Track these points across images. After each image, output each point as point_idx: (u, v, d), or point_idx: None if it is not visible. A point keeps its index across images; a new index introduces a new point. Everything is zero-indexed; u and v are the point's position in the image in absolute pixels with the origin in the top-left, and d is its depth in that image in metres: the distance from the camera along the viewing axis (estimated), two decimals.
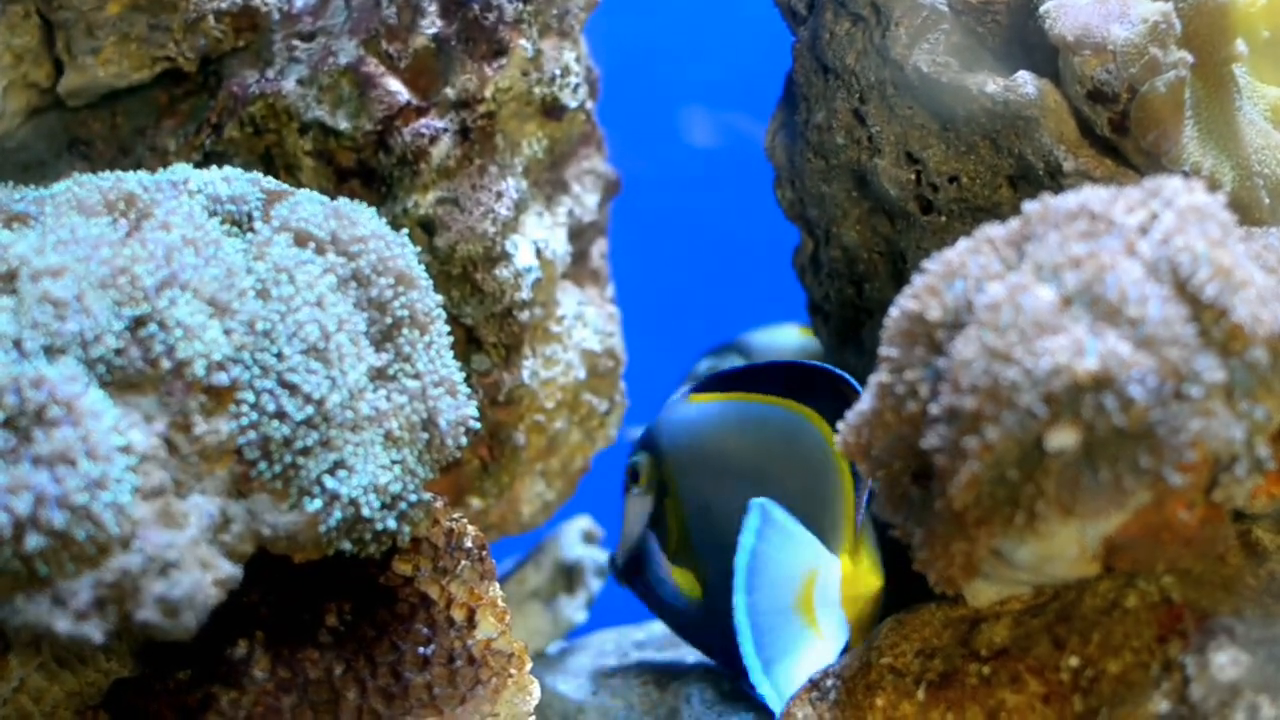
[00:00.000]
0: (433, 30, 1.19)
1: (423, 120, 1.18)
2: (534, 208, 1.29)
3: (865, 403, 0.78)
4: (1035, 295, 0.69)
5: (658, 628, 1.42)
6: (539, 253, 1.27)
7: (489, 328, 1.24)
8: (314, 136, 1.18)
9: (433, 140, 1.18)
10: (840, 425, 0.79)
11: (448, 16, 1.20)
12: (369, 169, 1.19)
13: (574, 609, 1.45)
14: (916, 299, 0.75)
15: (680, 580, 1.11)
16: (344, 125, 1.17)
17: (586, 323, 1.37)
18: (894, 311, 0.76)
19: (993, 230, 0.76)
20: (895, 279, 1.17)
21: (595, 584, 1.49)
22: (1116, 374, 0.66)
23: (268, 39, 1.20)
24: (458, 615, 0.86)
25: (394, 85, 1.18)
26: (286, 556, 0.76)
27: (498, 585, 0.90)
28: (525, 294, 1.24)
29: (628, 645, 1.37)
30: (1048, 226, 0.73)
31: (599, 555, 1.53)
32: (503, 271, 1.22)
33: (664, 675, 1.25)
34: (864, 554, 0.99)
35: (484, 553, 0.90)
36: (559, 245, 1.31)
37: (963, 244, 0.76)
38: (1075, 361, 0.66)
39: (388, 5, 1.19)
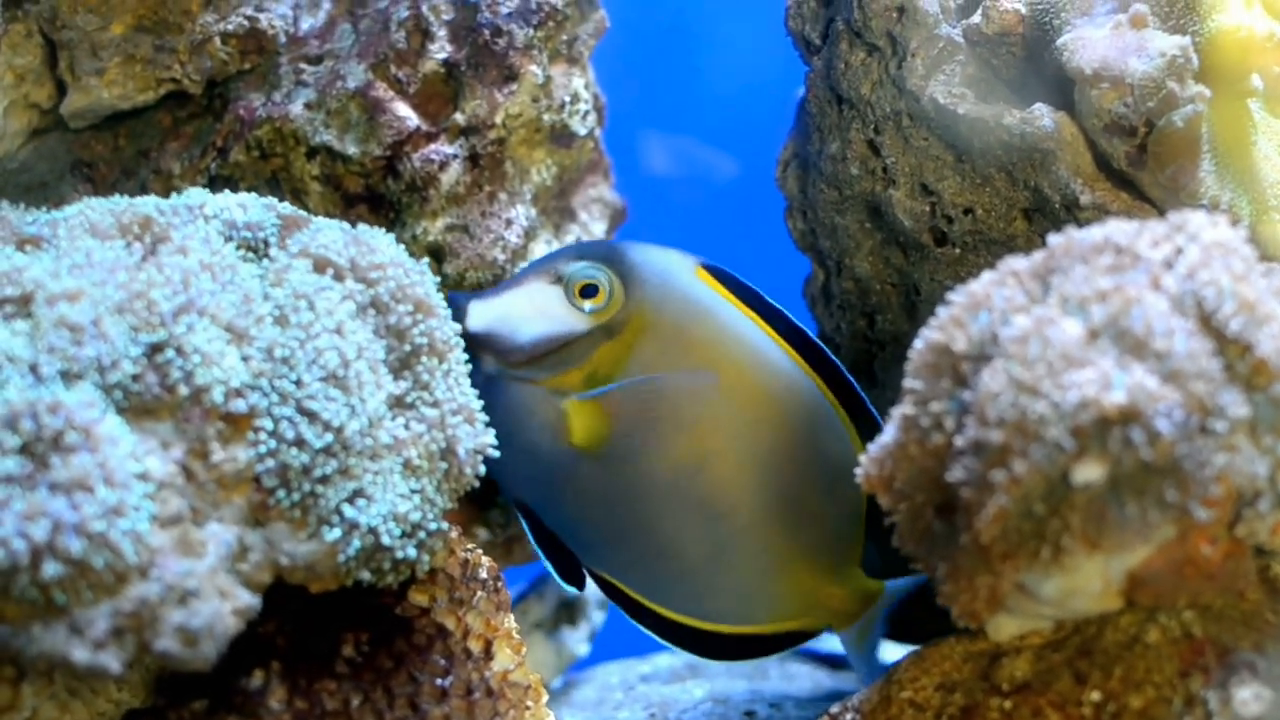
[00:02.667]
0: (443, 55, 1.19)
1: (432, 146, 1.17)
2: (543, 235, 1.28)
3: (889, 435, 0.77)
4: (1062, 328, 0.69)
5: (663, 660, 1.41)
6: None
7: None
8: (321, 161, 1.17)
9: (442, 166, 1.17)
10: (862, 458, 0.79)
11: (458, 41, 1.19)
12: (377, 195, 1.19)
13: (577, 641, 1.44)
14: (942, 330, 0.74)
15: (582, 419, 0.96)
16: (352, 150, 1.17)
17: None
18: (918, 343, 0.76)
19: (1017, 263, 0.75)
20: (908, 311, 1.17)
21: (598, 616, 1.48)
22: (1144, 408, 0.66)
23: (274, 62, 1.19)
24: (475, 646, 0.85)
25: (403, 110, 1.17)
26: (303, 586, 0.75)
27: (512, 617, 0.89)
28: None
29: (633, 678, 1.36)
30: (1073, 259, 0.73)
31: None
32: None
33: (670, 708, 1.25)
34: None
35: (499, 584, 0.89)
36: None
37: (987, 276, 0.75)
38: (1103, 395, 0.66)
39: (396, 29, 1.18)
